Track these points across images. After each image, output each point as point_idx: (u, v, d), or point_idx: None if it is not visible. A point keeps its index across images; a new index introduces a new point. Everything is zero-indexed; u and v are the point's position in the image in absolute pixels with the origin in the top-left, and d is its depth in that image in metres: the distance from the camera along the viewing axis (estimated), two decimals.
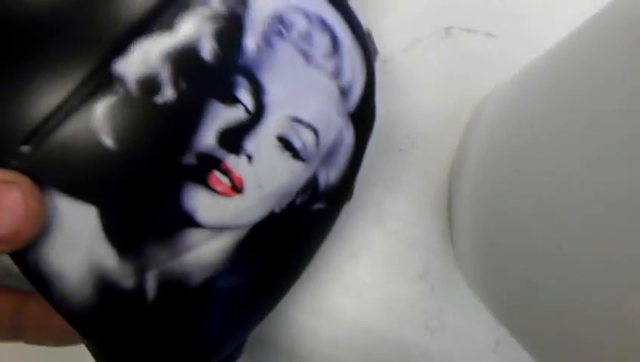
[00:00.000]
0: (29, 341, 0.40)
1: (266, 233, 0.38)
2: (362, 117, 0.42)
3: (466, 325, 0.52)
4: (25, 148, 0.30)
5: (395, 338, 0.52)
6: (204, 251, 0.35)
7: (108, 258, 0.32)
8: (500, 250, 0.41)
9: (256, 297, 0.40)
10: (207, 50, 0.34)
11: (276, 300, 0.42)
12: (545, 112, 0.37)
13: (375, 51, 0.45)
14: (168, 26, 0.33)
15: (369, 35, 0.44)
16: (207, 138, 0.34)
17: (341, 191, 0.42)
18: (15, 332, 0.39)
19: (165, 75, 0.33)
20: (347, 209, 0.48)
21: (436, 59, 0.55)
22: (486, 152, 0.45)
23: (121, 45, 0.32)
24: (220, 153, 0.34)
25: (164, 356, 0.36)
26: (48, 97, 0.31)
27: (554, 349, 0.36)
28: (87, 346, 0.35)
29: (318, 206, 0.40)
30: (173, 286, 0.34)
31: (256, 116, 0.35)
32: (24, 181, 0.30)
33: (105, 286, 0.32)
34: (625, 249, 0.26)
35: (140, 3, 0.33)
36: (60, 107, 0.31)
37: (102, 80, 0.32)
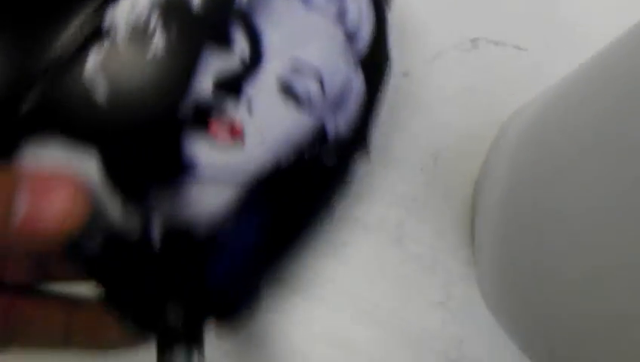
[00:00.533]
0: (77, 349, 0.41)
1: (273, 185, 0.37)
2: (373, 63, 0.41)
3: (488, 357, 0.50)
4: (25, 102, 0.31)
5: None
6: (208, 201, 0.35)
7: (112, 208, 0.32)
8: (527, 277, 0.39)
9: (266, 248, 0.39)
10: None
11: (288, 254, 0.42)
12: (576, 133, 0.35)
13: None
14: None
15: None
16: (204, 86, 0.33)
17: (355, 143, 0.41)
18: (65, 341, 0.40)
19: (156, 22, 0.32)
20: (364, 230, 0.46)
21: (461, 73, 0.53)
22: (512, 173, 0.43)
23: None
24: (218, 101, 0.34)
25: (173, 302, 0.36)
26: (45, 47, 0.31)
27: None
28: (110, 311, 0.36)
29: (328, 160, 0.39)
30: (179, 236, 0.34)
31: (254, 61, 0.35)
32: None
33: (110, 236, 0.33)
34: None
35: None
36: (56, 58, 0.31)
37: (95, 28, 0.32)
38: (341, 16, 0.38)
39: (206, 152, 0.34)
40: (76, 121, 0.32)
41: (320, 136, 0.38)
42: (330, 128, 0.38)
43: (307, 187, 0.39)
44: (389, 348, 0.49)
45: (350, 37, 0.39)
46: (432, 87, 0.52)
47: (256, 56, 0.35)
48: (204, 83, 0.33)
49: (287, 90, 0.35)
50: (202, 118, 0.33)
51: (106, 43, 0.32)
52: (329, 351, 0.48)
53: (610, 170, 0.30)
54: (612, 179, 0.29)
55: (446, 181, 0.52)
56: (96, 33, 0.32)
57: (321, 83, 0.36)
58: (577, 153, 0.34)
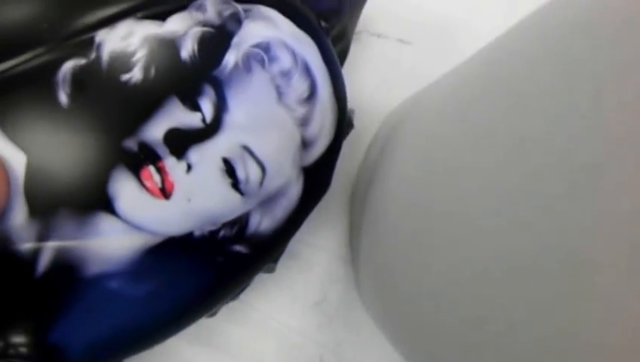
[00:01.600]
0: None
1: (177, 251, 0.37)
2: (316, 177, 0.41)
3: (365, 360, 0.49)
4: None
5: None
6: (110, 243, 0.34)
7: (18, 212, 0.32)
8: (403, 278, 0.39)
9: (141, 316, 0.37)
10: (187, 49, 0.35)
11: (160, 332, 0.40)
12: (458, 134, 0.35)
13: (350, 125, 0.45)
14: (161, 17, 0.35)
15: (352, 111, 0.45)
16: (156, 131, 0.34)
17: (269, 246, 0.41)
18: None
19: (140, 57, 0.34)
20: None
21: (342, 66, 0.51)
22: (395, 174, 0.43)
23: (111, 18, 0.34)
24: (162, 151, 0.34)
25: (23, 328, 0.35)
26: (24, 40, 0.33)
27: None
28: None
29: (240, 248, 0.39)
30: (66, 268, 0.34)
31: (210, 129, 0.35)
32: None
33: (3, 241, 0.32)
34: (535, 282, 0.25)
35: None
36: (36, 54, 0.33)
37: (82, 41, 0.33)
38: (305, 122, 0.39)
39: (130, 193, 0.34)
40: (26, 116, 0.33)
41: (241, 223, 0.38)
42: (253, 222, 0.39)
43: (208, 263, 0.39)
44: (262, 351, 0.48)
45: (305, 144, 0.40)
46: None
47: (214, 124, 0.35)
48: (158, 127, 0.34)
49: (229, 170, 0.36)
50: (141, 159, 0.34)
51: (85, 58, 0.33)
52: (199, 350, 0.47)
53: (502, 165, 0.29)
54: (504, 173, 0.29)
55: None
56: (81, 46, 0.33)
57: (263, 175, 0.37)
58: (472, 149, 0.33)
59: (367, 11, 0.52)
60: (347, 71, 0.50)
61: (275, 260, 0.43)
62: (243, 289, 0.42)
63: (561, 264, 0.23)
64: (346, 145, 0.48)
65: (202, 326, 0.46)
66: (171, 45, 0.35)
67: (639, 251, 0.20)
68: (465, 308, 0.31)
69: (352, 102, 0.48)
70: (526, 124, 0.28)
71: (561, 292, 0.23)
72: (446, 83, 0.41)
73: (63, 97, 0.33)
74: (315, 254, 0.47)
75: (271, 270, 0.44)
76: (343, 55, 0.47)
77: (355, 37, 0.52)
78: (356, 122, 0.46)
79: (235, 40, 0.37)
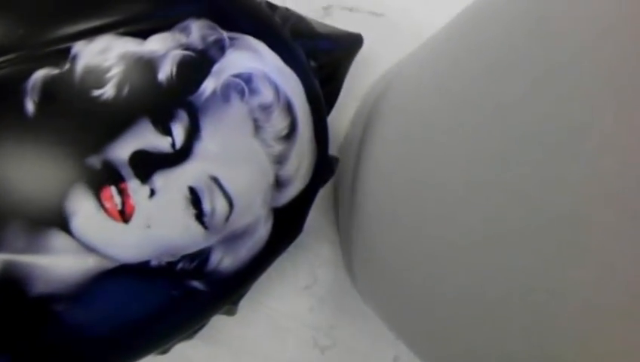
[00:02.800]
0: None
1: (131, 279, 0.35)
2: (287, 220, 0.40)
3: (360, 341, 0.49)
4: None
5: (282, 358, 0.48)
6: (60, 262, 0.33)
7: None
8: (394, 254, 0.39)
9: (82, 344, 0.36)
10: (165, 71, 0.34)
11: None
12: (436, 103, 0.35)
13: (330, 171, 0.44)
14: (142, 35, 0.34)
15: (336, 159, 0.44)
16: (122, 151, 0.33)
17: (228, 286, 0.39)
18: None
19: (114, 73, 0.33)
20: None
21: None
22: (380, 148, 0.43)
23: (91, 30, 0.33)
24: (127, 172, 0.33)
25: None
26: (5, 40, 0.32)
27: None
28: None
29: (197, 285, 0.37)
30: (12, 283, 0.33)
31: (180, 156, 0.34)
32: None
33: None
34: (524, 248, 0.25)
35: (130, 6, 0.35)
36: (8, 59, 0.32)
37: (58, 51, 0.33)
38: (281, 161, 0.38)
39: (87, 213, 0.33)
40: None
41: (202, 258, 0.37)
42: (214, 258, 0.37)
43: (162, 296, 0.37)
44: (254, 336, 0.48)
45: (279, 183, 0.38)
46: None
47: (184, 151, 0.34)
48: (124, 148, 0.33)
49: (194, 201, 0.35)
50: (103, 178, 0.33)
51: (59, 68, 0.32)
52: (193, 342, 0.45)
53: (483, 132, 0.29)
54: (485, 140, 0.29)
55: None
56: (57, 56, 0.33)
57: (230, 210, 0.36)
58: (452, 117, 0.33)
59: None
60: None
61: (235, 302, 0.42)
62: (198, 330, 0.41)
63: (549, 227, 0.23)
64: (328, 124, 0.48)
65: None
66: (149, 65, 0.34)
67: (626, 208, 0.20)
68: (453, 278, 0.31)
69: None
70: (505, 89, 0.27)
71: (551, 256, 0.23)
72: (422, 54, 0.41)
73: (30, 106, 0.32)
74: (303, 237, 0.46)
75: (231, 312, 0.42)
76: (333, 97, 0.46)
77: (325, 12, 0.52)
78: (333, 118, 0.46)
79: (216, 67, 0.36)
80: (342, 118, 0.51)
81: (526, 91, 0.26)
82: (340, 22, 0.50)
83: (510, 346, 0.28)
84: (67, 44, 0.33)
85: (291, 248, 0.46)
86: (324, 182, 0.44)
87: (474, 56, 0.32)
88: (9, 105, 0.32)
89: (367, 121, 0.47)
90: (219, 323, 0.46)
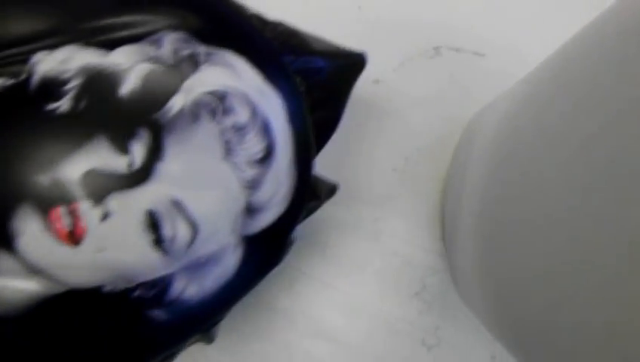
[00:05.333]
0: None
1: (81, 305, 0.33)
2: (260, 249, 0.37)
3: (462, 341, 0.52)
4: None
5: (392, 356, 0.52)
6: (4, 284, 0.31)
7: None
8: (496, 264, 0.40)
9: None
10: (128, 86, 0.32)
11: None
12: (533, 133, 0.36)
13: (316, 197, 0.41)
14: (108, 46, 0.32)
15: (333, 186, 0.41)
16: (74, 169, 0.30)
17: (194, 316, 0.36)
18: None
19: (72, 86, 0.31)
20: (344, 228, 0.47)
21: (426, 79, 0.56)
22: (482, 175, 0.45)
23: (54, 40, 0.31)
24: (78, 192, 0.31)
25: None
26: None
27: None
28: None
29: (158, 314, 0.35)
30: None
31: (138, 177, 0.31)
32: None
33: None
34: (616, 269, 0.26)
35: (99, 14, 0.32)
36: None
37: (16, 58, 0.30)
38: (254, 186, 0.35)
39: (34, 233, 0.30)
40: None
41: (161, 287, 0.34)
42: (177, 287, 0.34)
43: (114, 326, 0.34)
44: (370, 337, 0.52)
45: (250, 210, 0.35)
46: (400, 93, 0.55)
47: (143, 172, 0.31)
48: (76, 166, 0.30)
49: (152, 225, 0.32)
50: (52, 197, 0.30)
51: (13, 78, 0.30)
52: (314, 343, 0.51)
53: (576, 164, 0.30)
54: (578, 172, 0.30)
55: (417, 180, 0.54)
56: (15, 64, 0.30)
57: (194, 236, 0.33)
58: (546, 150, 0.34)
59: (445, 28, 0.56)
60: (430, 83, 0.54)
61: (207, 330, 0.39)
62: (169, 358, 0.38)
63: (629, 251, 0.24)
64: (434, 151, 0.53)
65: (311, 318, 0.51)
66: (111, 78, 0.31)
67: None
68: (547, 291, 0.32)
69: (435, 110, 0.52)
70: (590, 123, 0.29)
71: (628, 279, 0.25)
72: (519, 89, 0.43)
73: None
74: (413, 250, 0.51)
75: (209, 340, 0.40)
76: (331, 126, 0.43)
77: (435, 51, 0.56)
78: (442, 129, 0.49)
79: (187, 83, 0.33)
80: (449, 143, 0.55)
81: (609, 125, 0.27)
82: (448, 61, 0.55)
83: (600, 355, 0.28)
84: (27, 53, 0.31)
85: (404, 260, 0.51)
86: (309, 210, 0.41)
87: (564, 92, 0.33)
88: None
89: (469, 148, 0.49)
90: (335, 321, 0.52)
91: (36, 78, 0.31)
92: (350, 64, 0.42)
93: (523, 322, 0.38)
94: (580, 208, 0.29)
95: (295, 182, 0.37)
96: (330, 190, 0.42)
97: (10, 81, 0.30)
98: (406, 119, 0.55)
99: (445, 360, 0.52)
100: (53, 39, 0.31)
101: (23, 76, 0.30)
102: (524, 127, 0.39)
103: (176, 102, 0.32)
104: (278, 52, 0.38)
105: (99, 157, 0.31)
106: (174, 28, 0.33)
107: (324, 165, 0.42)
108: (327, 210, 0.48)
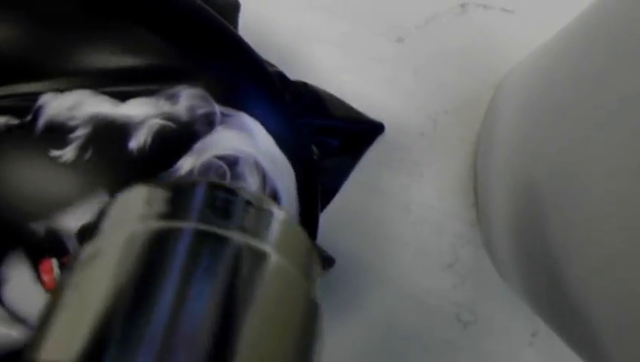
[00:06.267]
0: None
1: None
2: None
3: (499, 317, 0.50)
4: None
5: (426, 332, 0.49)
6: None
7: None
8: (537, 234, 0.38)
9: None
10: (138, 141, 0.30)
11: None
12: (573, 82, 0.35)
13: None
14: (121, 95, 0.30)
15: (331, 260, 0.40)
16: (71, 221, 0.29)
17: None
18: None
19: (79, 135, 0.29)
20: (372, 196, 0.45)
21: (453, 37, 0.53)
22: (516, 134, 0.43)
23: (65, 83, 0.30)
24: (73, 245, 0.29)
25: None
26: None
27: (596, 342, 0.33)
28: None
29: None
30: None
31: None
32: None
33: None
34: None
35: (115, 61, 0.31)
36: None
37: (23, 97, 0.29)
38: None
39: (21, 282, 0.29)
40: None
41: None
42: None
43: None
44: (401, 312, 0.49)
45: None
46: (425, 52, 0.52)
47: None
48: (74, 220, 0.29)
49: None
50: (45, 247, 0.29)
51: (18, 118, 0.29)
52: (345, 317, 0.48)
53: (614, 117, 0.29)
54: (617, 126, 0.29)
55: (446, 144, 0.52)
56: (21, 103, 0.29)
57: None
58: (583, 105, 0.33)
59: None
60: (457, 40, 0.51)
61: None
62: None
63: None
64: (463, 113, 0.50)
65: (346, 294, 0.48)
66: (120, 131, 0.30)
67: None
68: (584, 255, 0.32)
69: (462, 70, 0.49)
70: (631, 74, 0.28)
71: None
72: (554, 44, 0.41)
73: None
74: (445, 219, 0.48)
75: None
76: (330, 195, 0.42)
77: (463, 8, 0.53)
78: (471, 90, 0.47)
79: (200, 144, 0.31)
80: (479, 104, 0.52)
81: None
82: (475, 18, 0.52)
83: None
84: (35, 93, 0.29)
85: (434, 230, 0.48)
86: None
87: (603, 42, 0.33)
88: None
89: (501, 109, 0.48)
90: (367, 295, 0.49)
91: (42, 121, 0.29)
92: (367, 132, 0.43)
93: (562, 294, 0.36)
94: (623, 162, 0.28)
95: None
96: (328, 262, 0.41)
97: (14, 121, 0.29)
98: (432, 80, 0.52)
99: (483, 337, 0.50)
100: (64, 80, 0.30)
101: (29, 117, 0.29)
102: (561, 82, 0.38)
103: (186, 163, 0.31)
104: (297, 117, 0.36)
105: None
106: (193, 83, 0.31)
107: None
108: (355, 179, 0.46)
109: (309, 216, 0.35)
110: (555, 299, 0.39)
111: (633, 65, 0.28)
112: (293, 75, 0.41)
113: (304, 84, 0.39)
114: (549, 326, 0.41)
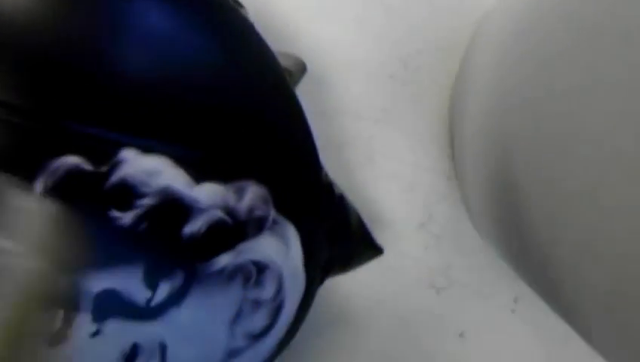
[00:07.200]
0: None
1: None
2: None
3: (477, 281, 0.47)
4: None
5: (396, 300, 0.47)
6: None
7: None
8: (518, 187, 0.37)
9: None
10: (193, 228, 0.29)
11: None
12: (567, 22, 0.33)
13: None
14: (197, 176, 0.30)
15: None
16: (96, 284, 0.28)
17: None
18: None
19: (144, 203, 0.28)
20: (330, 148, 0.41)
21: None
22: (494, 76, 0.41)
23: (152, 138, 0.29)
24: (85, 305, 0.29)
25: None
26: None
27: (583, 305, 0.33)
28: None
29: None
30: None
31: (147, 314, 0.30)
32: None
33: None
34: None
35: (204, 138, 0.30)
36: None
37: (104, 144, 0.28)
38: (234, 356, 0.34)
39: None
40: None
41: None
42: None
43: None
44: (366, 278, 0.46)
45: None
46: None
47: (154, 313, 0.30)
48: (101, 283, 0.29)
49: (129, 357, 0.31)
50: (57, 298, 0.28)
51: (94, 166, 0.28)
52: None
53: (608, 53, 0.28)
54: (609, 65, 0.28)
55: (419, 89, 0.48)
56: (100, 149, 0.28)
57: None
58: (575, 40, 0.32)
59: None
60: None
61: None
62: None
63: None
64: (439, 52, 0.46)
65: None
66: (183, 213, 0.30)
67: None
68: (576, 208, 0.30)
69: (438, 7, 0.45)
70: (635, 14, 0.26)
71: None
72: None
73: (39, 187, 0.27)
74: (416, 173, 0.45)
75: None
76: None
77: None
78: (448, 26, 0.43)
79: (243, 246, 0.32)
80: (458, 43, 0.49)
81: None
82: None
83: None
84: (117, 144, 0.29)
85: (406, 185, 0.45)
86: None
87: None
88: (16, 173, 0.28)
89: (478, 52, 0.45)
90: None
91: (116, 178, 0.28)
92: (363, 253, 0.42)
93: (549, 253, 0.35)
94: (620, 115, 0.26)
95: (269, 357, 0.36)
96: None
97: (89, 166, 0.28)
98: (404, 18, 0.48)
99: (458, 304, 0.47)
100: (151, 141, 0.29)
101: (104, 168, 0.28)
102: (550, 14, 0.35)
103: (223, 260, 0.31)
104: (326, 235, 0.37)
105: (126, 281, 0.29)
106: (260, 181, 0.32)
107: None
108: (314, 128, 0.43)
109: (294, 329, 0.36)
110: (534, 258, 0.37)
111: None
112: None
113: (341, 197, 0.40)
114: (533, 289, 0.40)
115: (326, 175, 0.39)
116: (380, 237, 0.44)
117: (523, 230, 0.37)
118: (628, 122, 0.26)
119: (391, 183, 0.47)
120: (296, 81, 0.41)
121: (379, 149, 0.47)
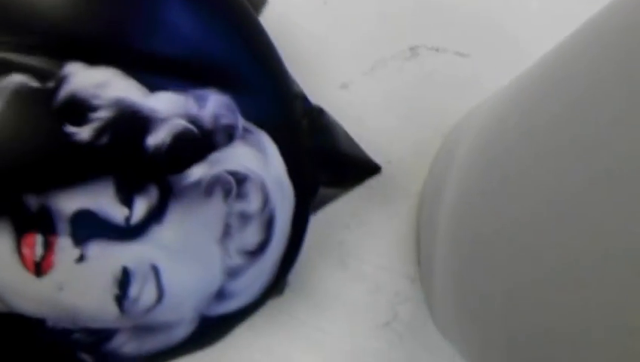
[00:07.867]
0: None
1: (18, 332, 0.31)
2: (213, 330, 0.36)
3: None
4: None
5: None
6: None
7: None
8: (480, 292, 0.38)
9: None
10: (157, 140, 0.30)
11: None
12: (521, 141, 0.34)
13: (280, 292, 0.41)
14: (151, 86, 0.30)
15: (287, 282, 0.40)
16: (68, 203, 0.29)
17: None
18: None
19: (99, 117, 0.28)
20: (304, 251, 0.44)
21: (401, 83, 0.51)
22: (462, 185, 0.42)
23: (96, 55, 0.28)
24: (62, 227, 0.29)
25: None
26: None
27: None
28: None
29: (87, 358, 0.33)
30: None
31: (129, 233, 0.30)
32: None
33: None
34: (604, 285, 0.25)
35: (154, 40, 0.30)
36: None
37: (47, 59, 0.28)
38: (234, 274, 0.34)
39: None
40: None
41: (101, 336, 0.33)
42: (118, 341, 0.33)
43: (45, 360, 0.33)
44: None
45: (220, 296, 0.35)
46: (371, 99, 0.50)
47: (136, 232, 0.30)
48: (72, 202, 0.29)
49: (121, 282, 0.31)
50: (32, 221, 0.29)
51: (41, 83, 0.28)
52: None
53: (565, 170, 0.28)
54: (568, 179, 0.28)
55: (388, 195, 0.49)
56: (45, 66, 0.28)
57: (157, 303, 0.32)
58: (534, 157, 0.32)
59: (423, 26, 0.52)
60: (405, 86, 0.49)
61: None
62: None
63: (628, 266, 0.23)
64: (408, 163, 0.49)
65: (275, 357, 0.47)
66: (142, 124, 0.30)
67: None
68: (536, 314, 0.30)
69: (410, 118, 0.47)
70: (587, 130, 0.27)
71: (632, 292, 0.23)
72: (507, 93, 0.40)
73: None
74: (383, 275, 0.47)
75: None
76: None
77: (412, 52, 0.52)
78: (418, 139, 0.45)
79: (215, 156, 0.31)
80: (426, 154, 0.51)
81: (609, 131, 0.25)
82: (426, 62, 0.50)
83: None
84: (63, 56, 0.28)
85: (372, 286, 0.46)
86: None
87: (557, 92, 0.32)
88: None
89: (449, 160, 0.46)
90: (293, 357, 0.47)
91: (64, 93, 0.28)
92: (363, 170, 0.44)
93: (507, 349, 0.35)
94: (571, 219, 0.27)
95: (274, 278, 0.36)
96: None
97: (35, 83, 0.27)
98: (377, 128, 0.50)
99: None
100: (97, 52, 0.29)
101: (51, 84, 0.28)
102: (512, 131, 0.37)
103: (197, 172, 0.31)
104: (310, 146, 0.37)
105: (99, 200, 0.29)
106: (223, 89, 0.31)
107: None
108: None
109: (294, 243, 0.36)
110: (496, 357, 0.38)
111: (590, 114, 0.27)
112: None
113: (320, 111, 0.39)
114: None
115: (297, 86, 0.38)
116: (350, 336, 0.47)
117: (485, 331, 0.38)
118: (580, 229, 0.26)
119: (360, 285, 0.48)
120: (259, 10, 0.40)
121: (349, 253, 0.48)
